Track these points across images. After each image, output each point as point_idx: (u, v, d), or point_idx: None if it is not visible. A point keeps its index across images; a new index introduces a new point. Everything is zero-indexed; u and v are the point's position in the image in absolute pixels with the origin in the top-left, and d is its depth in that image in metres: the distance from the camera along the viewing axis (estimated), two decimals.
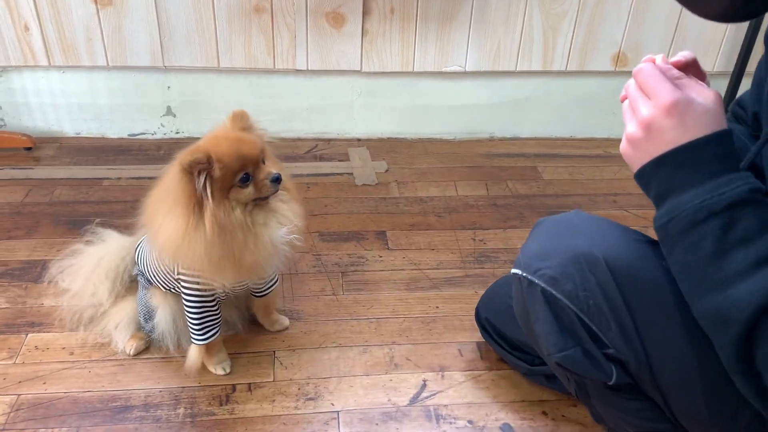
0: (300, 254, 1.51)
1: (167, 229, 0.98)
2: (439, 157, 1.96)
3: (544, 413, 1.15)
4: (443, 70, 1.92)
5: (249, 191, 1.01)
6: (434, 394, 1.17)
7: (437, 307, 1.37)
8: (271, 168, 1.04)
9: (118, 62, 1.81)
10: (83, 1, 1.71)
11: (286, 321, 1.31)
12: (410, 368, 1.23)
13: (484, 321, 1.21)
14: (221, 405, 1.13)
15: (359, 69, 1.89)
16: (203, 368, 1.19)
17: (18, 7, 1.71)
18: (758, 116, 0.82)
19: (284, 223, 1.07)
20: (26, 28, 1.74)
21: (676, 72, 0.68)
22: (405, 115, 2.01)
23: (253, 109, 1.97)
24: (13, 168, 1.79)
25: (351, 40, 1.84)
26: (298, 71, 1.88)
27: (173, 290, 1.15)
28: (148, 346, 1.23)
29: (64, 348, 1.23)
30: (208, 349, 1.16)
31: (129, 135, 1.95)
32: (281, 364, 1.22)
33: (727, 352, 0.63)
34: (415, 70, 1.91)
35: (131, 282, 1.24)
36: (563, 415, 1.14)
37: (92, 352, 1.22)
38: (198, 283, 1.07)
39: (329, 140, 2.02)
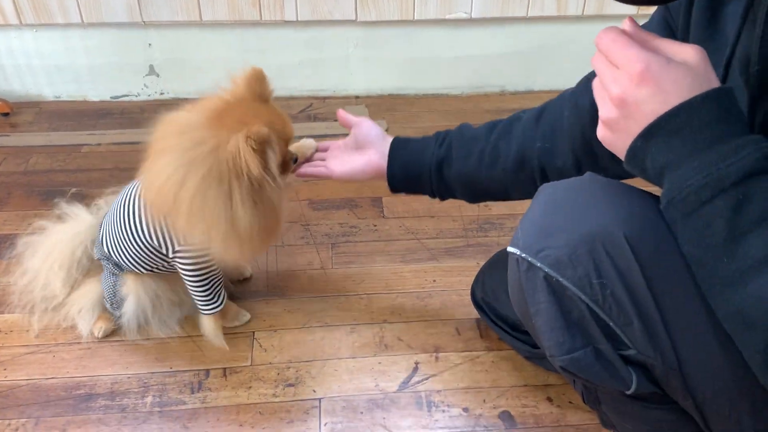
0: (287, 225, 1.39)
1: (218, 215, 0.87)
2: (443, 114, 1.81)
3: (549, 399, 1.03)
4: (447, 17, 1.75)
5: (292, 168, 1.00)
6: (427, 379, 1.06)
7: (434, 281, 1.25)
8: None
9: (94, 19, 1.68)
10: None
11: (248, 270, 1.26)
12: (401, 349, 1.12)
13: (480, 301, 1.09)
14: (192, 393, 1.04)
15: (354, 18, 1.73)
16: (179, 349, 1.10)
17: None
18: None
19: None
20: None
21: (645, 34, 0.55)
22: (406, 69, 1.85)
23: (240, 65, 1.84)
24: None
25: None
26: (287, 23, 1.73)
27: (159, 269, 1.05)
28: (116, 327, 1.13)
29: (28, 331, 1.14)
30: (223, 313, 1.11)
31: (111, 97, 1.83)
32: (260, 346, 1.12)
33: (755, 362, 0.49)
34: (415, 18, 1.74)
35: (92, 264, 1.13)
36: (570, 402, 1.02)
37: (58, 335, 1.13)
38: (197, 256, 1.00)
39: (324, 98, 1.87)
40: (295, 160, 1.01)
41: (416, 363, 1.09)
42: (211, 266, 1.03)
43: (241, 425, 0.99)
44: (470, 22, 1.78)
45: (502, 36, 1.81)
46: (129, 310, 1.07)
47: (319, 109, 1.83)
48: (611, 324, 0.65)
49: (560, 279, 0.65)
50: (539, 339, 0.71)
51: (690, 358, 0.63)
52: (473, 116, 1.80)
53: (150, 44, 1.75)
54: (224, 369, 1.08)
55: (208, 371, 1.07)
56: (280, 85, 1.84)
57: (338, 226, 1.39)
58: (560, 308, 0.67)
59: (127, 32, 1.73)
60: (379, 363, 1.09)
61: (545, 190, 0.71)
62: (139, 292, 1.07)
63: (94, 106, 1.81)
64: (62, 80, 1.80)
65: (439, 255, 1.32)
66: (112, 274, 1.07)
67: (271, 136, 0.86)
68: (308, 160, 1.06)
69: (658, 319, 0.62)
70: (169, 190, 0.86)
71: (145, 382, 1.05)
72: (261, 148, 0.85)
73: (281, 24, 1.74)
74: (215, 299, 1.07)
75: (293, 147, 1.03)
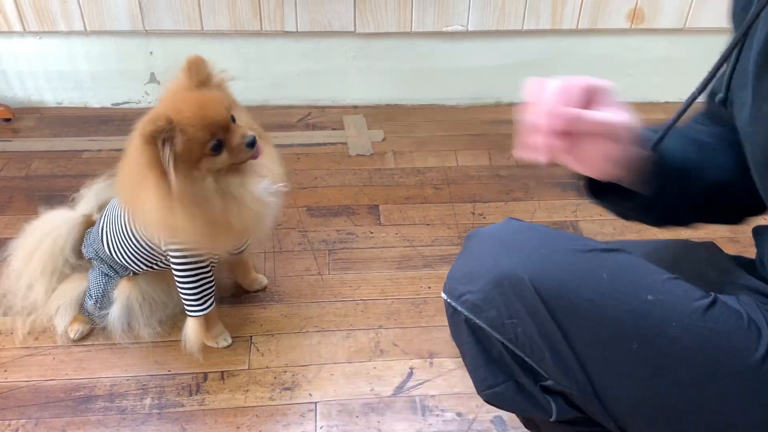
0: (285, 231, 1.41)
1: (145, 206, 0.88)
2: (440, 124, 1.84)
3: None
4: (444, 29, 1.78)
5: (223, 158, 0.91)
6: (421, 384, 1.08)
7: (429, 288, 1.27)
8: (245, 127, 0.93)
9: (96, 26, 1.70)
10: None
11: (264, 280, 1.27)
12: (396, 355, 1.13)
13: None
14: (191, 395, 1.05)
15: (353, 30, 1.76)
16: (178, 353, 1.11)
17: None
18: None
19: (264, 175, 0.97)
20: None
21: None
22: (404, 80, 1.88)
23: (240, 75, 1.86)
24: None
25: None
26: (287, 33, 1.76)
27: (156, 266, 1.07)
28: (92, 330, 1.15)
29: (29, 333, 1.15)
30: (207, 321, 1.10)
31: (112, 104, 1.85)
32: (257, 350, 1.14)
33: None
34: (413, 30, 1.77)
35: (73, 263, 1.14)
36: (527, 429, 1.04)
37: (57, 338, 1.14)
38: (189, 253, 1.01)
39: (323, 107, 1.90)
40: (253, 141, 0.91)
41: (411, 368, 1.11)
42: (201, 264, 1.03)
43: (238, 428, 1.00)
44: (467, 34, 1.81)
45: (498, 48, 1.85)
46: (115, 312, 1.08)
47: (318, 118, 1.85)
48: (527, 359, 0.69)
49: (477, 321, 0.70)
50: (470, 376, 0.76)
51: (604, 383, 0.66)
52: (469, 126, 1.83)
53: (151, 52, 1.77)
54: (222, 372, 1.09)
55: (206, 374, 1.09)
56: (279, 95, 1.88)
57: (335, 233, 1.41)
58: (481, 348, 0.72)
59: (129, 40, 1.75)
60: (375, 368, 1.11)
61: (470, 238, 0.76)
62: (130, 295, 1.08)
63: (96, 112, 1.83)
64: (64, 87, 1.82)
65: (435, 262, 1.34)
66: (105, 275, 1.09)
67: (165, 127, 0.83)
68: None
69: (568, 352, 0.66)
70: (119, 183, 0.93)
71: (144, 385, 1.07)
72: (152, 141, 0.83)
73: (281, 34, 1.76)
74: (202, 301, 1.06)
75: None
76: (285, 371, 1.10)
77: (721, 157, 0.72)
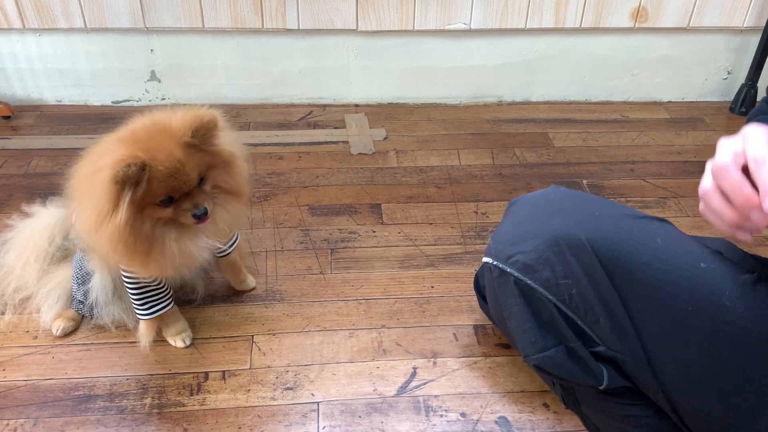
0: (287, 229, 1.40)
1: (84, 215, 0.90)
2: (442, 123, 1.83)
3: (545, 405, 1.04)
4: (446, 28, 1.77)
5: (167, 212, 0.91)
6: (424, 384, 1.07)
7: (432, 287, 1.26)
8: (203, 197, 0.92)
9: (97, 24, 1.69)
10: None
11: (252, 282, 1.24)
12: (400, 354, 1.12)
13: (482, 288, 1.10)
14: (191, 395, 1.04)
15: (355, 28, 1.75)
16: (178, 352, 1.10)
17: None
18: None
19: (205, 235, 0.96)
20: None
21: None
22: (406, 78, 1.87)
23: (241, 73, 1.86)
24: None
25: None
26: (288, 31, 1.75)
27: None
28: (77, 327, 1.14)
29: (27, 332, 1.14)
30: (162, 320, 1.09)
31: (113, 102, 1.84)
32: (259, 349, 1.12)
33: None
34: (415, 28, 1.77)
35: (64, 256, 1.16)
36: (566, 408, 1.03)
37: (57, 337, 1.13)
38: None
39: (324, 106, 1.89)
40: (201, 216, 0.91)
41: (414, 368, 1.10)
42: (145, 280, 1.03)
43: (239, 428, 0.99)
44: (469, 33, 1.80)
45: (500, 47, 1.84)
46: (95, 284, 1.08)
47: (319, 117, 1.84)
48: (579, 322, 0.67)
49: (529, 282, 0.67)
50: (514, 341, 0.73)
51: (657, 352, 0.64)
52: (471, 125, 1.82)
53: (152, 50, 1.76)
54: (223, 372, 1.08)
55: (207, 374, 1.08)
56: (280, 93, 1.87)
57: (337, 232, 1.40)
58: (531, 310, 0.70)
59: (130, 38, 1.74)
60: (378, 367, 1.10)
61: (514, 204, 0.74)
62: (104, 268, 1.07)
63: (96, 110, 1.82)
64: (64, 84, 1.80)
65: (437, 261, 1.33)
66: (82, 251, 1.10)
67: (138, 176, 0.83)
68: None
69: (625, 316, 0.64)
70: (73, 179, 0.93)
71: (144, 384, 1.06)
72: (117, 179, 0.82)
73: (283, 32, 1.75)
74: (147, 307, 1.05)
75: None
76: (287, 371, 1.08)
77: None
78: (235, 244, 1.16)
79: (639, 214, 0.69)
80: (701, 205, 0.54)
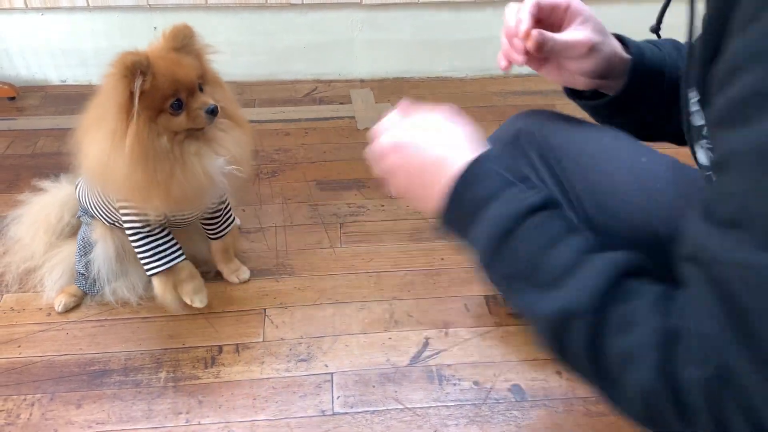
0: (296, 204, 1.40)
1: (95, 146, 0.90)
2: (448, 97, 1.81)
3: (558, 373, 1.04)
4: None
5: (181, 120, 0.93)
6: (437, 353, 1.07)
7: (442, 259, 1.26)
8: (209, 97, 0.95)
9: (99, 2, 1.68)
10: None
11: (246, 273, 1.21)
12: (411, 325, 1.12)
13: None
14: (206, 368, 1.05)
15: (359, 1, 1.73)
16: (192, 326, 1.11)
17: None
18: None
19: (221, 154, 0.98)
20: None
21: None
22: (411, 52, 1.85)
23: (246, 49, 1.84)
24: None
25: None
26: (292, 5, 1.73)
27: (116, 224, 1.07)
28: (79, 303, 1.15)
29: (41, 309, 1.15)
30: (177, 274, 1.08)
31: None
32: (272, 322, 1.13)
33: (577, 352, 0.49)
34: (420, 0, 1.74)
35: (71, 233, 1.18)
36: None
37: (70, 313, 1.14)
38: (134, 212, 1.01)
39: (329, 81, 1.87)
40: (214, 111, 0.94)
41: (426, 338, 1.10)
42: (148, 228, 1.03)
43: (254, 399, 1.00)
44: (475, 4, 1.78)
45: None
46: (98, 254, 1.09)
47: (325, 93, 1.83)
48: None
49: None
50: None
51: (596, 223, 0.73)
52: (478, 99, 1.80)
53: (155, 27, 1.75)
54: (237, 345, 1.09)
55: (220, 347, 1.08)
56: (285, 69, 1.85)
57: (346, 206, 1.40)
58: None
59: (133, 15, 1.73)
60: (390, 338, 1.10)
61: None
62: (106, 238, 1.09)
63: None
64: (68, 64, 1.79)
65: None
66: (86, 224, 1.11)
67: (144, 61, 0.86)
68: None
69: (573, 193, 0.74)
70: (80, 122, 0.94)
71: (159, 358, 1.06)
72: (125, 72, 0.85)
73: (287, 7, 1.73)
74: (155, 260, 1.05)
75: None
76: (300, 343, 1.09)
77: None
78: (230, 227, 1.15)
79: (596, 122, 0.80)
80: None
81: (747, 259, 0.39)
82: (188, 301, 1.10)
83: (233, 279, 1.21)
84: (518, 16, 0.69)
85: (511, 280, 0.55)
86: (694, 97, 0.55)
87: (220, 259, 1.20)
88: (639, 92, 0.73)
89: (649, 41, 0.77)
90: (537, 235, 0.53)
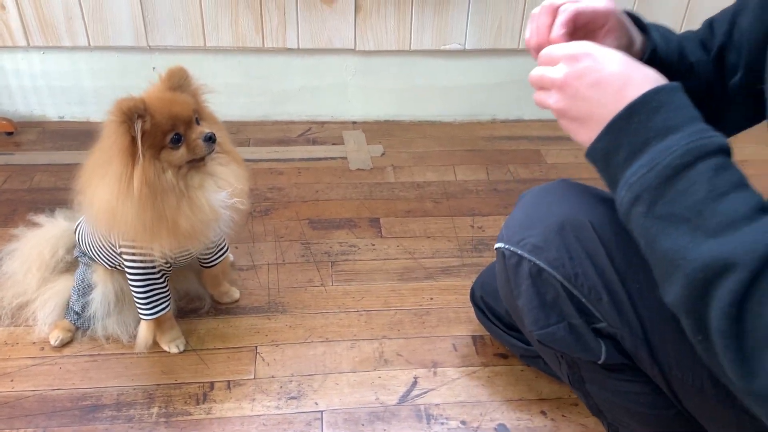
0: (288, 243, 1.43)
1: (101, 192, 0.93)
2: (437, 140, 1.88)
3: (543, 413, 1.07)
4: (442, 48, 1.82)
5: (181, 153, 0.97)
6: (425, 392, 1.10)
7: (431, 299, 1.30)
8: (205, 127, 1.00)
9: (100, 42, 1.73)
10: None
11: (236, 293, 1.27)
12: (401, 364, 1.15)
13: (479, 300, 1.14)
14: (198, 404, 1.06)
15: (353, 47, 1.80)
16: (184, 362, 1.12)
17: None
18: (723, 50, 0.74)
19: (223, 187, 1.02)
20: (2, 7, 1.66)
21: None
22: (402, 96, 1.92)
23: (242, 91, 1.90)
24: None
25: (344, 16, 1.74)
26: (289, 50, 1.79)
27: (117, 267, 1.10)
28: (72, 339, 1.17)
29: (34, 343, 1.16)
30: (159, 325, 1.12)
31: None
32: (263, 360, 1.15)
33: (719, 305, 0.48)
34: (411, 48, 1.82)
35: (65, 269, 1.20)
36: (563, 415, 1.06)
37: (63, 348, 1.15)
38: (139, 255, 1.03)
39: (323, 123, 1.93)
40: (211, 138, 0.97)
41: (415, 377, 1.13)
42: (151, 270, 1.06)
43: None
44: (464, 53, 1.85)
45: (494, 67, 1.89)
46: (96, 297, 1.11)
47: (318, 133, 1.88)
48: (583, 300, 0.73)
49: (538, 261, 0.74)
50: (522, 320, 0.79)
51: (654, 329, 0.70)
52: (466, 142, 1.87)
53: (154, 68, 1.80)
54: (228, 382, 1.10)
55: (212, 383, 1.10)
56: (280, 110, 1.91)
57: (338, 245, 1.43)
58: (537, 290, 0.76)
59: (132, 56, 1.78)
60: (379, 377, 1.12)
61: (524, 195, 0.82)
62: (107, 281, 1.12)
63: (97, 127, 1.84)
64: (66, 101, 1.83)
65: (436, 274, 1.36)
66: (86, 265, 1.13)
67: (140, 105, 0.90)
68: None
69: (624, 294, 0.70)
70: (83, 168, 0.98)
71: (151, 394, 1.08)
72: (123, 118, 0.89)
73: (283, 51, 1.80)
74: (151, 307, 1.09)
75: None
76: (291, 380, 1.11)
77: (704, 62, 0.76)
78: (223, 257, 1.19)
79: None
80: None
81: None
82: (166, 348, 1.15)
83: (225, 299, 1.25)
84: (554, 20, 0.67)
85: (667, 219, 0.52)
86: None
87: (210, 284, 1.24)
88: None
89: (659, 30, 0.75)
90: (715, 177, 0.50)
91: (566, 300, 0.74)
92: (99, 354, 1.14)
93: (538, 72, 0.64)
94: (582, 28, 0.68)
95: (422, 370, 1.14)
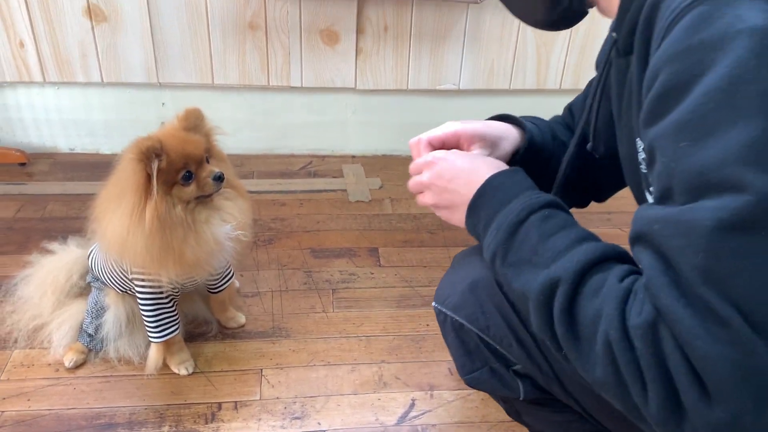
0: (291, 271, 1.50)
1: (114, 223, 1.00)
2: None
3: None
4: (437, 88, 1.93)
5: (191, 189, 1.04)
6: (423, 414, 1.16)
7: (428, 325, 1.36)
8: (215, 167, 1.07)
9: (113, 78, 1.82)
10: (78, 18, 1.73)
11: (242, 318, 1.33)
12: (399, 387, 1.21)
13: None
14: (206, 423, 1.12)
15: (353, 86, 1.90)
16: (193, 384, 1.18)
17: (14, 24, 1.72)
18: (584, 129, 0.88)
19: (228, 220, 1.09)
20: (21, 45, 1.75)
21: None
22: (399, 133, 2.01)
23: (247, 125, 1.99)
24: (6, 183, 1.79)
25: (345, 57, 1.84)
26: (292, 88, 1.89)
27: (129, 291, 1.16)
28: (85, 361, 1.22)
29: (50, 364, 1.21)
30: (168, 347, 1.18)
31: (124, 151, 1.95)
32: (268, 382, 1.21)
33: (556, 315, 0.59)
34: (409, 87, 1.92)
35: (78, 293, 1.26)
36: (510, 418, 1.12)
37: (77, 369, 1.21)
38: (148, 281, 1.10)
39: (323, 157, 2.02)
40: (221, 177, 1.05)
41: (413, 399, 1.19)
42: (160, 295, 1.13)
43: None
44: (458, 92, 1.95)
45: (486, 106, 1.99)
46: (109, 319, 1.18)
47: (319, 167, 1.96)
48: (498, 347, 0.84)
49: (458, 318, 0.85)
50: (456, 367, 0.92)
51: (562, 368, 0.79)
52: None
53: (163, 103, 1.89)
54: (235, 402, 1.16)
55: (220, 404, 1.15)
56: (283, 144, 1.99)
57: (338, 273, 1.50)
58: (461, 341, 0.88)
59: (143, 92, 1.87)
60: (379, 399, 1.18)
61: (456, 256, 0.94)
62: (118, 304, 1.18)
63: (107, 158, 1.90)
64: (78, 134, 1.91)
65: (432, 302, 1.42)
66: (99, 289, 1.20)
67: (157, 145, 0.97)
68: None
69: (530, 340, 0.80)
70: (97, 199, 1.05)
71: (162, 414, 1.13)
72: (141, 157, 0.96)
73: (287, 89, 1.89)
74: (160, 330, 1.15)
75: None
76: (295, 402, 1.17)
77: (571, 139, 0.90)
78: (229, 283, 1.26)
79: None
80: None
81: (669, 213, 0.50)
82: (175, 370, 1.21)
83: (231, 324, 1.31)
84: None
85: (516, 265, 0.64)
86: (641, 145, 0.65)
87: (217, 310, 1.30)
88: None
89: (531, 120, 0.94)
90: (543, 224, 0.64)
91: (484, 348, 0.85)
92: (111, 375, 1.20)
93: (412, 181, 0.80)
94: (447, 147, 0.83)
95: (419, 393, 1.20)
